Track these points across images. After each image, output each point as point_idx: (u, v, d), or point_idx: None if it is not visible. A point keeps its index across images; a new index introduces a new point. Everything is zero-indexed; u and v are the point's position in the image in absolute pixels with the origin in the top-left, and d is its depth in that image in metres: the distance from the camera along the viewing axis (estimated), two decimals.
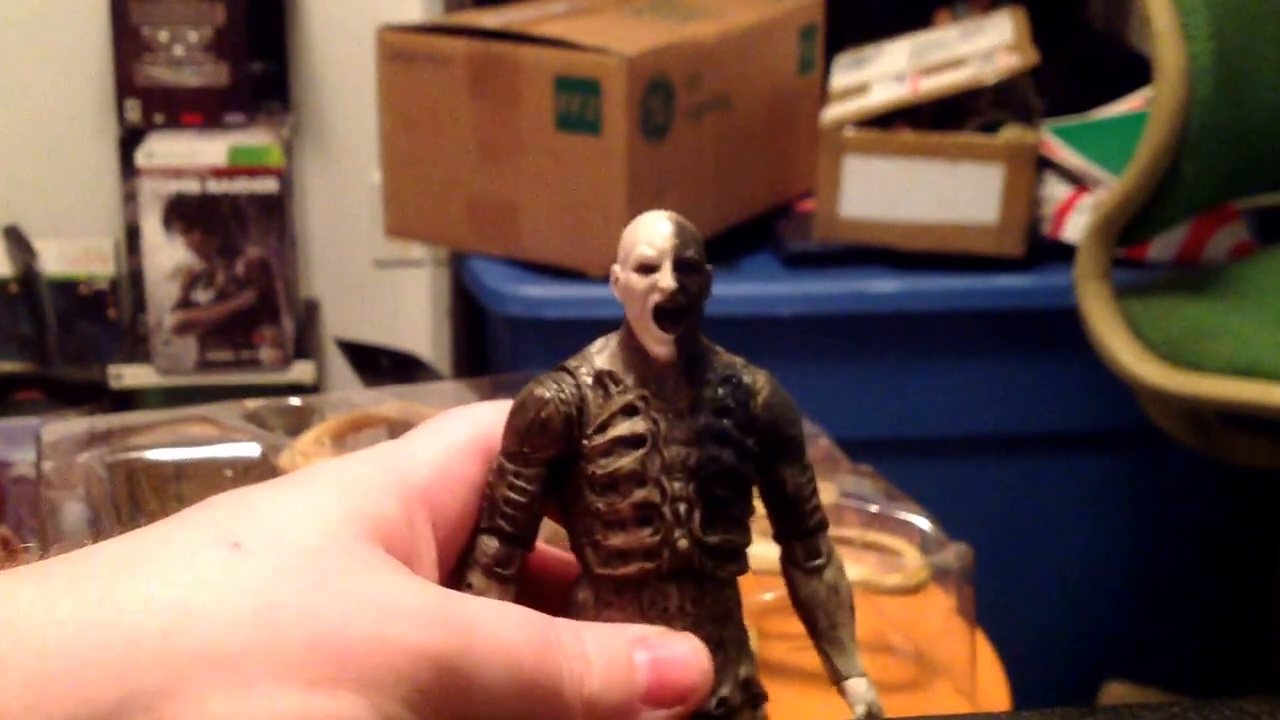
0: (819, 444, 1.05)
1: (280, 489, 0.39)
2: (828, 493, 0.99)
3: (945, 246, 1.74)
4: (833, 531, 0.92)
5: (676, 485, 0.41)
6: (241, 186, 2.18)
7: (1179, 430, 1.56)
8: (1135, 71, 1.84)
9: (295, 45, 2.38)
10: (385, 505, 0.39)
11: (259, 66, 2.32)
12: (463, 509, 0.42)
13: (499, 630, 0.38)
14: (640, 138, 1.66)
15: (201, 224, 2.19)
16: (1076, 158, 1.77)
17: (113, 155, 2.33)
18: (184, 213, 2.18)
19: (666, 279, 0.40)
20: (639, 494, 0.41)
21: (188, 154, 2.18)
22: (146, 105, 2.25)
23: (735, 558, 0.42)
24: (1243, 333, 1.42)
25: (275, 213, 2.21)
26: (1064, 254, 1.64)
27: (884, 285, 1.75)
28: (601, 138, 1.65)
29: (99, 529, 0.88)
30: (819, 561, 0.44)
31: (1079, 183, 1.77)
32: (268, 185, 2.19)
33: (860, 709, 0.43)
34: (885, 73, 1.84)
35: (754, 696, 0.43)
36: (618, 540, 0.41)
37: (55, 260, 2.33)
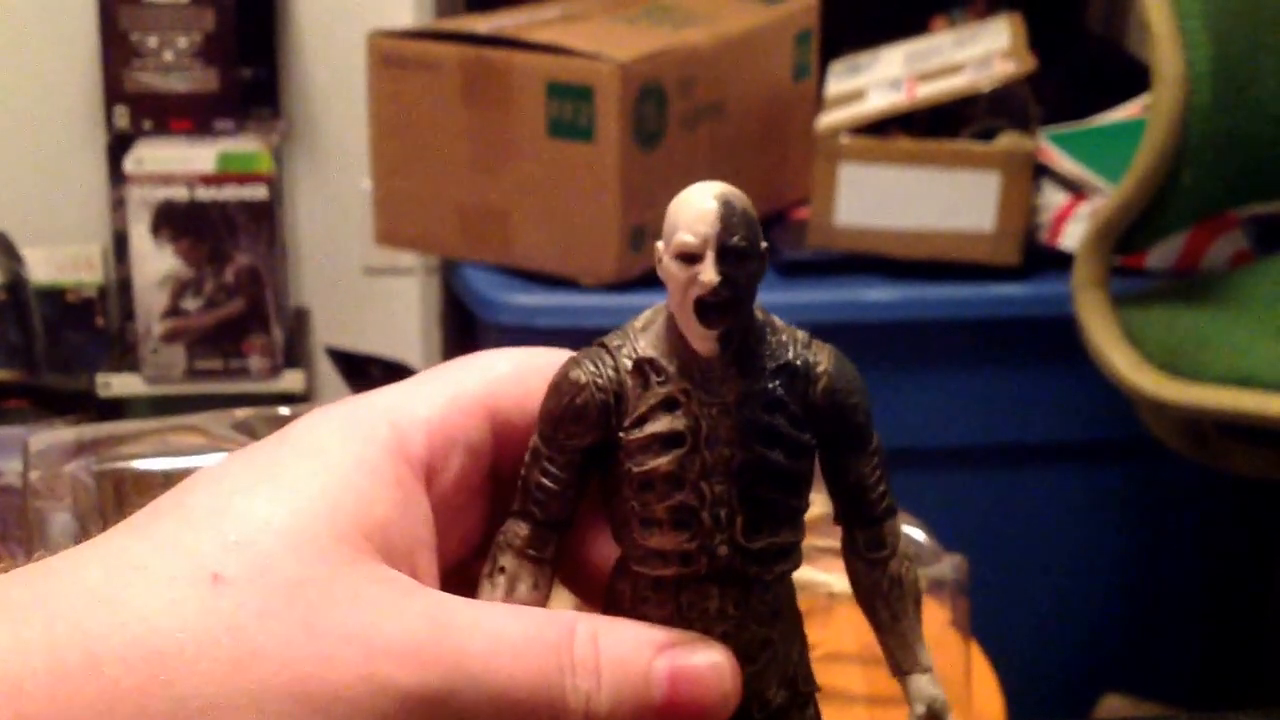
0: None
1: (265, 490, 0.37)
2: (820, 504, 0.99)
3: (941, 255, 1.73)
4: (825, 544, 0.90)
5: (717, 489, 0.38)
6: (231, 193, 2.17)
7: (1176, 440, 1.55)
8: (1134, 78, 1.83)
9: (285, 51, 2.36)
10: (379, 499, 0.37)
11: (249, 72, 2.31)
12: (462, 469, 0.40)
13: (493, 660, 0.36)
14: (633, 144, 1.65)
15: (190, 231, 2.17)
16: (1074, 165, 1.76)
17: (101, 162, 2.31)
18: (173, 220, 2.17)
19: (709, 272, 0.35)
20: (675, 497, 0.38)
21: (177, 160, 2.17)
22: (135, 111, 2.24)
23: (785, 558, 0.39)
24: (1241, 342, 1.41)
25: (265, 220, 2.19)
26: (1061, 262, 1.63)
27: (879, 294, 1.74)
28: (594, 144, 1.64)
29: (86, 539, 0.87)
30: (883, 553, 0.41)
31: (1076, 190, 1.76)
32: (257, 192, 2.18)
33: (919, 707, 0.40)
34: (881, 79, 1.83)
35: (800, 695, 0.40)
36: (653, 541, 0.38)
37: (42, 268, 2.32)
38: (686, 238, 0.36)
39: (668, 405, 0.38)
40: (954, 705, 1.00)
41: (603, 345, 0.39)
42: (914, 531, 1.01)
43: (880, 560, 0.41)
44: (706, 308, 0.36)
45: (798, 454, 0.38)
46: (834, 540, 0.98)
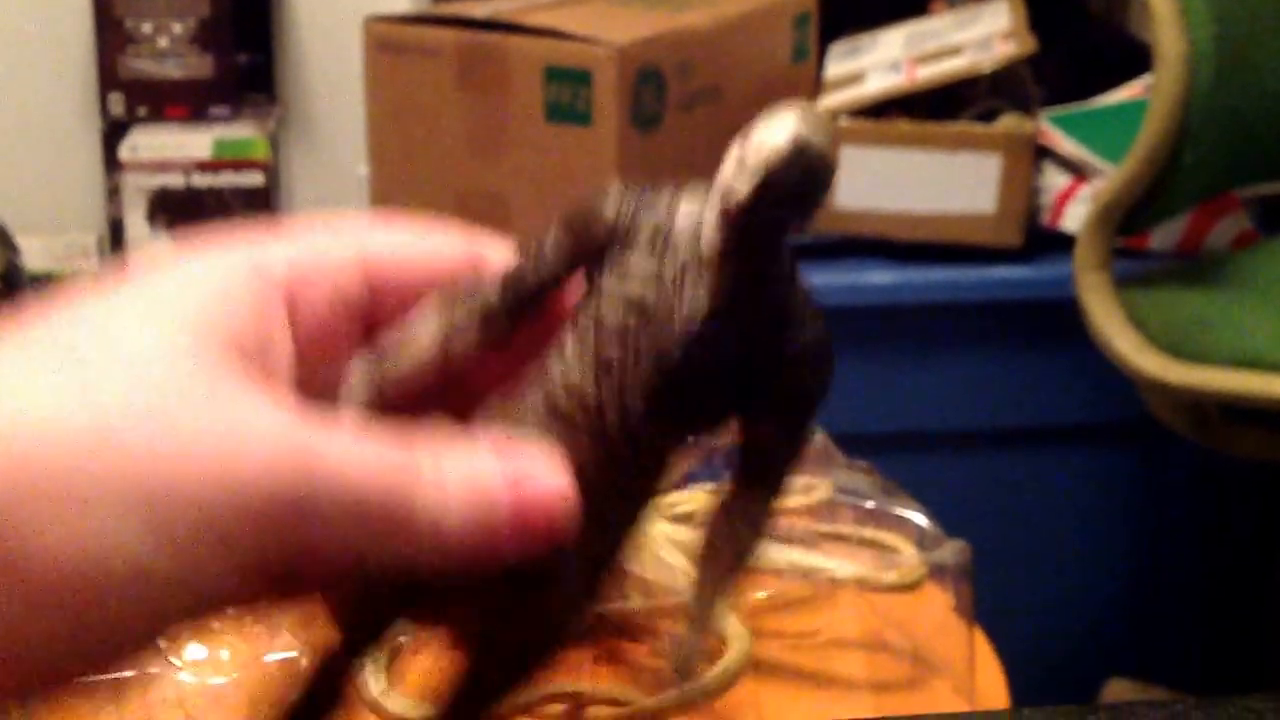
0: (814, 439, 1.04)
1: (123, 290, 0.37)
2: (823, 488, 0.98)
3: (942, 237, 1.72)
4: (829, 528, 0.89)
5: (628, 361, 0.38)
6: (227, 180, 2.16)
7: (1180, 423, 1.54)
8: (1135, 58, 1.83)
9: (281, 37, 2.35)
10: (236, 301, 0.37)
11: (244, 58, 2.29)
12: (331, 308, 0.40)
13: (348, 468, 0.36)
14: (631, 128, 1.64)
15: (186, 218, 2.17)
16: (1075, 146, 1.75)
17: (96, 149, 2.30)
18: (169, 207, 2.16)
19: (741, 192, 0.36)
20: (602, 354, 0.38)
21: (172, 147, 2.16)
22: (130, 98, 2.23)
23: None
24: (1245, 324, 1.41)
25: (261, 207, 2.18)
26: (1063, 244, 1.63)
27: (880, 277, 1.73)
28: (592, 128, 1.63)
29: None
30: (748, 522, 0.40)
31: (1078, 172, 1.75)
32: (254, 179, 2.17)
33: (680, 653, 0.42)
34: (880, 61, 1.83)
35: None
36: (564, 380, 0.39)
37: (38, 256, 2.31)
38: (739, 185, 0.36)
39: (650, 279, 0.38)
40: (958, 692, 0.99)
41: (656, 190, 0.39)
42: (916, 516, 1.00)
43: (745, 529, 0.40)
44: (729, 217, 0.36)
45: (725, 376, 0.38)
46: (836, 526, 0.97)
